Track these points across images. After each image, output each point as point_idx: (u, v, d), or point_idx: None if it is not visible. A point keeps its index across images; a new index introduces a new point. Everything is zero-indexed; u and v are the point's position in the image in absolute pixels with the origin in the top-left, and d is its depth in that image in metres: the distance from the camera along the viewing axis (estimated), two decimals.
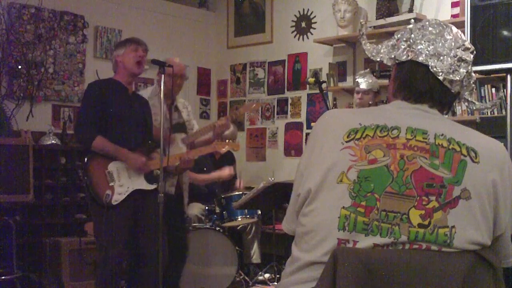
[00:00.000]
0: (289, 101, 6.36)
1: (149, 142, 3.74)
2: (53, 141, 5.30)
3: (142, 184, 3.59)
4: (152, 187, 3.62)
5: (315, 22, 6.17)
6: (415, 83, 1.53)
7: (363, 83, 4.48)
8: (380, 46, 1.64)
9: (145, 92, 4.24)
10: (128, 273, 3.72)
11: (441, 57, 1.51)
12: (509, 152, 2.76)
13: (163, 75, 3.59)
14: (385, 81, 5.31)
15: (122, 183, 3.50)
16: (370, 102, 4.40)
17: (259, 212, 5.20)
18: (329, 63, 5.91)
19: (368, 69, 4.91)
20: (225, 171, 5.40)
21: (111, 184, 3.47)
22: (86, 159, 3.52)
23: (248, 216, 5.02)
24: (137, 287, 3.67)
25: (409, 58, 1.53)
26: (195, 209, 5.22)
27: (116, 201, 3.44)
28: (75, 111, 5.51)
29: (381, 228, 1.36)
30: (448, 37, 1.53)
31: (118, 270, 3.50)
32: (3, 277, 4.46)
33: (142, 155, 3.61)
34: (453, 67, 1.51)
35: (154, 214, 3.62)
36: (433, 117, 1.51)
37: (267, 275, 5.31)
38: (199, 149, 4.05)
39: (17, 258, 4.55)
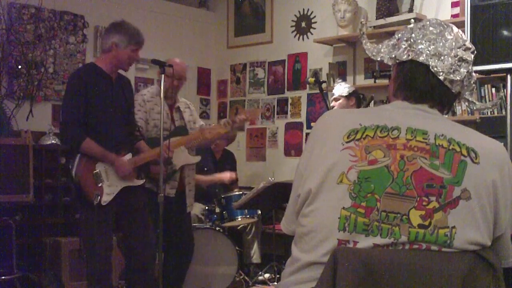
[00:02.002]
0: (289, 101, 6.36)
1: (137, 135, 3.69)
2: (53, 141, 5.30)
3: (130, 180, 3.56)
4: (140, 182, 3.61)
5: (315, 22, 6.17)
6: (416, 83, 1.53)
7: (334, 91, 4.58)
8: (380, 45, 1.64)
9: (147, 92, 4.23)
10: (126, 273, 3.71)
11: (442, 57, 1.51)
12: (509, 152, 2.76)
13: (163, 75, 3.59)
14: (385, 81, 5.32)
15: (111, 182, 3.45)
16: (351, 104, 4.48)
17: (259, 212, 5.20)
18: (329, 63, 5.90)
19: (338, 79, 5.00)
20: (227, 175, 5.37)
21: (99, 185, 3.42)
22: (72, 160, 3.45)
23: (248, 216, 5.02)
24: (134, 287, 3.66)
25: (410, 57, 1.53)
26: (195, 209, 5.21)
27: (105, 201, 3.40)
28: None
29: (381, 229, 1.36)
30: (449, 37, 1.53)
31: (108, 267, 3.49)
32: (3, 277, 4.46)
33: (126, 151, 3.56)
34: (453, 67, 1.51)
35: (142, 210, 3.61)
36: (434, 118, 1.51)
37: (267, 275, 5.31)
38: (181, 140, 3.94)
39: (17, 258, 4.55)
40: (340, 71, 5.87)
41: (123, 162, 3.49)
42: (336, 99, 4.52)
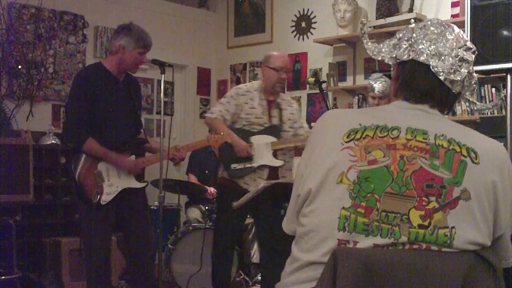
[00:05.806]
0: None
1: (142, 137, 3.69)
2: (53, 141, 5.30)
3: (132, 182, 3.54)
4: (142, 185, 3.59)
5: (315, 22, 6.17)
6: (416, 83, 1.53)
7: (379, 88, 4.32)
8: (381, 45, 1.64)
9: (244, 85, 4.07)
10: (128, 273, 3.71)
11: (443, 57, 1.51)
12: (509, 152, 2.76)
13: (163, 75, 3.59)
14: None
15: (112, 182, 3.45)
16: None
17: None
18: (329, 63, 5.91)
19: (381, 74, 4.80)
20: (211, 189, 5.27)
21: (100, 184, 3.42)
22: (75, 158, 3.46)
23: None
24: (134, 287, 3.66)
25: (411, 57, 1.53)
26: (195, 213, 5.23)
27: (105, 201, 3.41)
28: None
29: (381, 229, 1.36)
30: (450, 37, 1.53)
31: (107, 266, 3.50)
32: (3, 277, 4.45)
33: (130, 152, 3.54)
34: (454, 67, 1.51)
35: (143, 210, 3.61)
36: (434, 118, 1.51)
37: None
38: (190, 145, 3.90)
39: (17, 258, 4.55)
40: (340, 71, 5.87)
41: (125, 158, 3.49)
42: (380, 98, 4.23)
